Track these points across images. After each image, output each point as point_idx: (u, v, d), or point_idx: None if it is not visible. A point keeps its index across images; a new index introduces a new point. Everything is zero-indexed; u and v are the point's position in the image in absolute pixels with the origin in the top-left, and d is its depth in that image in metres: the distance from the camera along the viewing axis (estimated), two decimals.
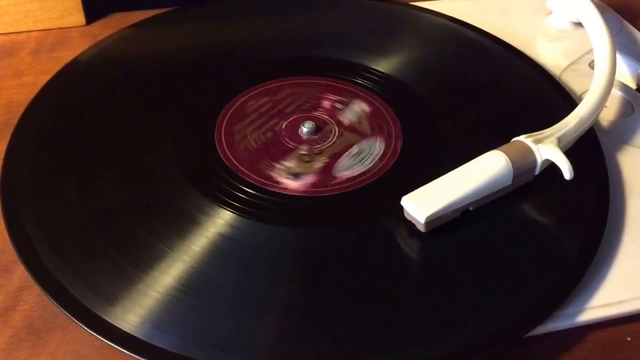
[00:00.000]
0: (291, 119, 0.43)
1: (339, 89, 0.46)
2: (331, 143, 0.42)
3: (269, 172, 0.40)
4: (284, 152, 0.41)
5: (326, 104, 0.45)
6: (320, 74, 0.47)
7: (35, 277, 0.33)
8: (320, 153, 0.41)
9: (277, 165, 0.40)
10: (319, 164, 0.40)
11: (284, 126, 0.43)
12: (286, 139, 0.42)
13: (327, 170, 0.40)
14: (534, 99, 0.47)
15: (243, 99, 0.44)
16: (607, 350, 0.35)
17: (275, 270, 0.35)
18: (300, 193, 0.38)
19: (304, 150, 0.41)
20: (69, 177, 0.39)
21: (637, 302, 0.36)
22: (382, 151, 0.41)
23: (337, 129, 0.43)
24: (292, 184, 0.39)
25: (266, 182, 0.39)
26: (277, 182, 0.39)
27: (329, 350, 0.32)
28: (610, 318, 0.35)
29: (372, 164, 0.41)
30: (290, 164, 0.40)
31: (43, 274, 0.34)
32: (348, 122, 0.43)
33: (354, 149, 0.41)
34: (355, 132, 0.43)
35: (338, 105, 0.45)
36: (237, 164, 0.40)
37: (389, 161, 0.41)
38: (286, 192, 0.38)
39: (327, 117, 0.44)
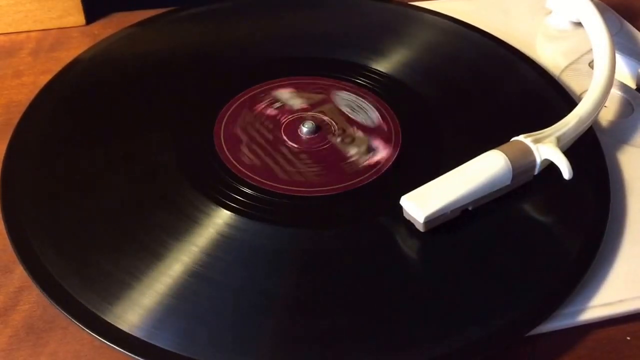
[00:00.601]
0: (291, 118, 0.43)
1: (339, 88, 0.46)
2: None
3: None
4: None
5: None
6: (320, 74, 0.47)
7: (34, 278, 0.33)
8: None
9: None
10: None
11: (283, 126, 0.43)
12: (286, 139, 0.42)
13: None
14: (534, 99, 0.47)
15: (243, 98, 0.44)
16: (606, 349, 0.35)
17: (274, 270, 0.35)
18: (302, 192, 0.39)
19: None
20: (69, 177, 0.39)
21: (637, 302, 0.36)
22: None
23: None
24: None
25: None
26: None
27: (328, 350, 0.32)
28: (610, 317, 0.35)
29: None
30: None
31: (42, 274, 0.34)
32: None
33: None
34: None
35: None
36: (238, 165, 0.40)
37: (388, 161, 0.41)
38: (286, 192, 0.38)
39: (326, 117, 0.44)
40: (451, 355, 0.32)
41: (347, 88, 0.46)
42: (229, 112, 0.43)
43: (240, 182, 0.39)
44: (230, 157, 0.40)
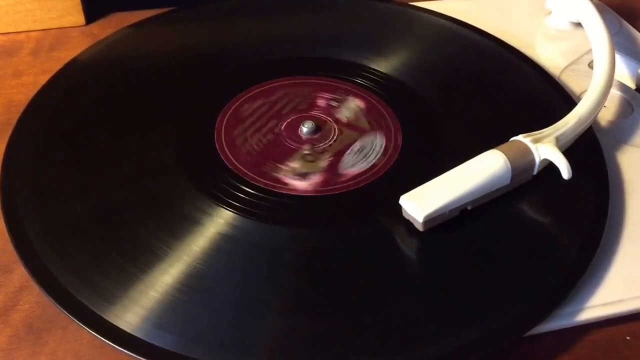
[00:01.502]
0: (291, 118, 0.43)
1: (339, 89, 0.46)
2: (332, 142, 0.42)
3: (274, 174, 0.40)
4: (286, 153, 0.41)
5: (325, 103, 0.45)
6: (320, 74, 0.47)
7: (35, 277, 0.33)
8: (322, 152, 0.41)
9: (282, 167, 0.40)
10: (323, 162, 0.41)
11: (283, 126, 0.43)
12: (287, 140, 0.42)
13: (332, 169, 0.40)
14: (533, 99, 0.47)
15: (243, 98, 0.45)
16: (606, 349, 0.35)
17: (275, 269, 0.35)
18: (308, 193, 0.39)
19: (306, 150, 0.41)
20: (69, 176, 0.39)
21: (636, 302, 0.36)
22: (383, 146, 0.41)
23: (336, 127, 0.43)
24: (299, 184, 0.39)
25: (272, 184, 0.39)
26: (285, 184, 0.39)
27: (328, 350, 0.32)
28: (610, 317, 0.35)
29: (376, 158, 0.41)
30: (294, 164, 0.40)
31: (43, 273, 0.34)
32: (346, 119, 0.43)
33: (357, 145, 0.42)
34: (355, 129, 0.43)
35: (336, 104, 0.45)
36: (240, 166, 0.40)
37: (388, 161, 0.41)
38: (285, 192, 0.38)
39: (326, 117, 0.44)
40: (450, 355, 0.32)
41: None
42: (229, 112, 0.43)
43: (240, 182, 0.39)
44: (230, 156, 0.40)
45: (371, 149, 0.41)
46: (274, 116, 0.44)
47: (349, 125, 0.43)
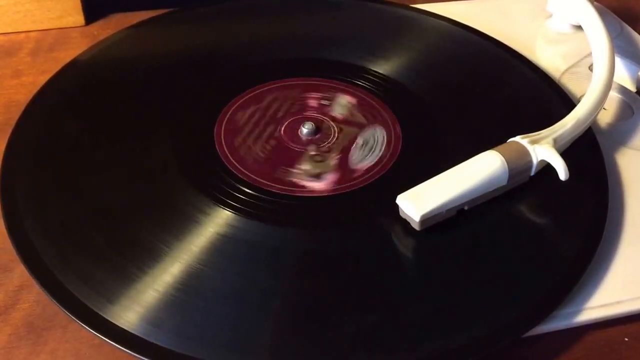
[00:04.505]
0: (291, 120, 0.43)
1: (339, 90, 0.46)
2: (334, 140, 0.42)
3: (288, 178, 0.40)
4: (293, 156, 0.41)
5: (317, 104, 0.45)
6: (320, 75, 0.47)
7: (34, 276, 0.33)
8: (329, 151, 0.41)
9: (294, 170, 0.40)
10: (333, 161, 0.41)
11: (284, 127, 0.43)
12: (289, 142, 0.42)
13: (344, 166, 0.40)
14: (533, 102, 0.47)
15: (243, 99, 0.45)
16: (604, 350, 0.35)
17: (273, 269, 0.35)
18: (327, 192, 0.39)
19: (312, 151, 0.41)
20: (69, 176, 0.39)
21: (635, 303, 0.36)
22: (385, 137, 0.42)
23: (335, 126, 0.43)
24: (316, 185, 0.39)
25: (266, 182, 0.39)
26: (302, 187, 0.39)
27: (327, 350, 0.32)
28: (608, 318, 0.35)
29: (382, 151, 0.41)
30: (305, 166, 0.40)
31: (42, 272, 0.34)
32: (341, 116, 0.43)
33: (359, 141, 0.42)
34: (353, 125, 0.43)
35: (327, 103, 0.45)
36: (238, 165, 0.40)
37: (387, 162, 0.41)
38: (284, 193, 0.38)
39: (326, 117, 0.44)
40: (449, 355, 0.32)
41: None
42: (229, 113, 0.43)
43: (240, 182, 0.39)
44: (230, 157, 0.40)
45: (375, 141, 0.42)
46: (277, 115, 0.44)
47: (347, 121, 0.43)
